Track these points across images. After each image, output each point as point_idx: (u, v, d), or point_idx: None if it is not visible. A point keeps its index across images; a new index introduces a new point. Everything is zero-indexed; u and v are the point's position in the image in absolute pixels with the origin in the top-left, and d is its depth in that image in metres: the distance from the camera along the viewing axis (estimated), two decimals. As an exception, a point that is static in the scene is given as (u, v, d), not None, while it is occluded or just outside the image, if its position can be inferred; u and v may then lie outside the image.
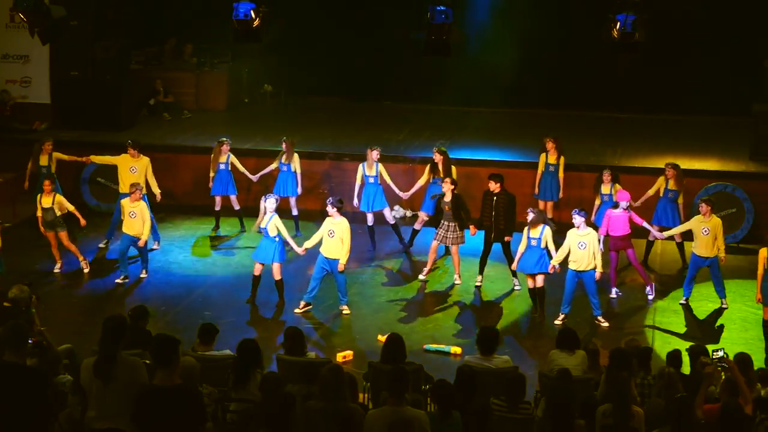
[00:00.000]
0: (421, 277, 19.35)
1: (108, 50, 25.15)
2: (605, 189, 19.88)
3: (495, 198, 18.49)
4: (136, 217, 18.86)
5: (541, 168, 21.13)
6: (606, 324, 17.29)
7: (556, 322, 17.26)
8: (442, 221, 18.89)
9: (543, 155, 21.13)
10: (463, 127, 26.13)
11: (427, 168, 20.51)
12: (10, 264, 18.24)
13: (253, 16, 18.30)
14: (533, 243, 17.29)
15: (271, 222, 17.55)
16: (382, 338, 14.47)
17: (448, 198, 18.76)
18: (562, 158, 21.02)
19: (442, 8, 17.78)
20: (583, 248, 17.04)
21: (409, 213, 22.66)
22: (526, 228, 17.39)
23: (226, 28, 18.99)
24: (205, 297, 18.41)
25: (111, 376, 9.11)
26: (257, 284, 17.97)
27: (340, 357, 15.59)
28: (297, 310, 17.63)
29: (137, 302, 16.31)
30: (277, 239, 17.59)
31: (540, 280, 17.43)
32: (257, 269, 17.91)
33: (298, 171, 21.16)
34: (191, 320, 16.78)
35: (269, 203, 17.56)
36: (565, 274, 17.34)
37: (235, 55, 28.38)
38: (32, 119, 25.04)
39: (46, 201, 18.99)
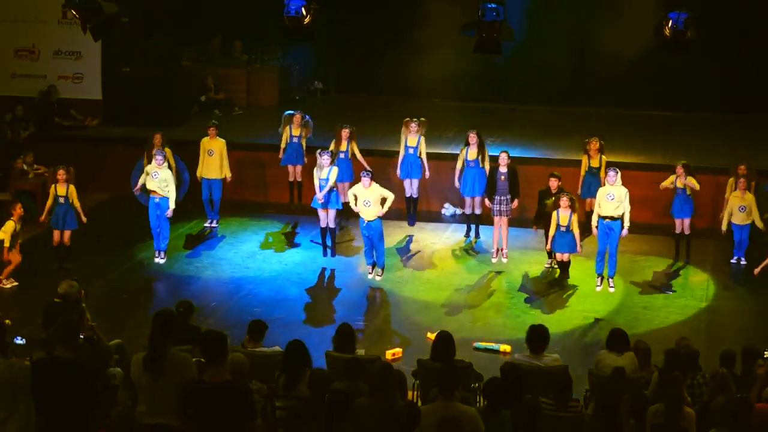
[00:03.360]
0: (495, 260, 19.85)
1: (159, 47, 25.28)
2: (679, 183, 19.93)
3: (552, 196, 19.07)
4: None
5: (583, 170, 20.99)
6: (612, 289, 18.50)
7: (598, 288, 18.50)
8: (496, 196, 19.48)
9: (585, 157, 20.94)
10: (510, 124, 25.98)
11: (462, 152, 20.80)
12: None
13: (304, 13, 18.29)
14: (562, 229, 18.44)
15: (332, 172, 19.20)
16: (431, 336, 14.46)
17: (504, 170, 19.38)
18: (603, 158, 20.85)
19: (493, 5, 17.71)
20: (610, 200, 18.37)
21: (459, 210, 22.61)
22: (555, 213, 18.48)
23: (277, 24, 19.01)
24: (254, 294, 18.47)
25: (160, 371, 9.13)
26: (325, 234, 19.86)
27: (389, 354, 15.59)
28: (376, 277, 18.90)
29: (185, 298, 16.34)
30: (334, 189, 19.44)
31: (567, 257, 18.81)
32: (323, 220, 19.69)
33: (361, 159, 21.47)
34: (241, 317, 16.88)
35: (324, 157, 19.27)
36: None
37: (285, 52, 28.41)
38: (84, 115, 25.20)
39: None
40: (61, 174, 19.21)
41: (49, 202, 19.24)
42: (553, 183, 19.21)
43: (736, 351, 12.93)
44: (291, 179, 22.32)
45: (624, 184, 18.62)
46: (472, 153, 20.52)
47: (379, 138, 23.77)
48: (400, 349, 15.94)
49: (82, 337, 11.86)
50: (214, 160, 21.37)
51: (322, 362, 12.67)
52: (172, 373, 9.16)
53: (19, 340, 14.61)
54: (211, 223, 21.69)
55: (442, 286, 18.97)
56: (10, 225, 18.35)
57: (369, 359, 12.47)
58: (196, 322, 13.92)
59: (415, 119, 21.22)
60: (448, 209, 22.62)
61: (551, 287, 18.81)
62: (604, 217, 18.46)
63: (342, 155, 21.15)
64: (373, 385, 9.95)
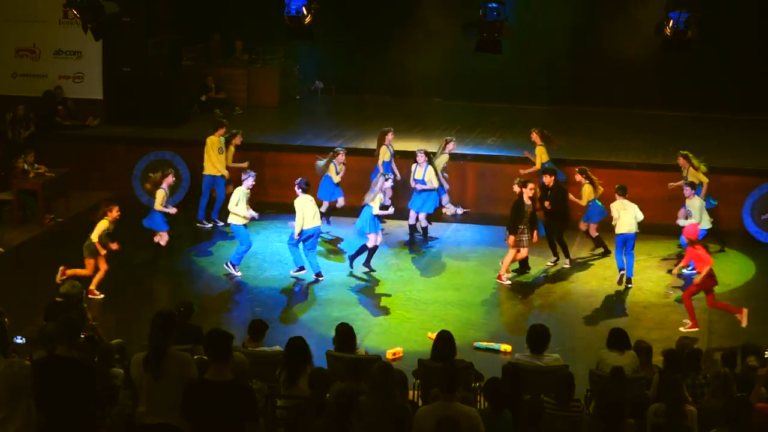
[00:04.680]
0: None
1: (160, 46, 25.29)
2: None
3: (548, 191, 19.43)
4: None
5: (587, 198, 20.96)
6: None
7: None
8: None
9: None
10: (514, 124, 25.98)
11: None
12: (58, 261, 18.33)
13: (305, 12, 18.29)
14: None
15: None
16: (432, 335, 14.46)
17: (528, 202, 19.13)
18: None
19: (495, 5, 17.70)
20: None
21: (460, 210, 22.62)
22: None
23: (278, 24, 19.01)
24: (255, 293, 18.47)
25: (161, 370, 9.14)
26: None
27: (389, 354, 15.59)
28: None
29: (186, 297, 16.32)
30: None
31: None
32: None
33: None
34: (242, 316, 16.92)
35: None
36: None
37: (286, 52, 28.41)
38: (85, 115, 25.20)
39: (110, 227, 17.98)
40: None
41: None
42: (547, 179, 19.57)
43: (737, 351, 12.96)
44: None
45: (627, 183, 18.83)
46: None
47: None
48: (401, 349, 15.93)
49: (83, 336, 11.87)
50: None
51: (323, 362, 12.67)
52: (172, 372, 9.16)
53: (19, 340, 14.60)
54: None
55: (442, 286, 18.98)
56: (103, 224, 17.77)
57: (370, 359, 12.46)
58: (196, 322, 13.91)
59: (421, 150, 21.18)
60: (449, 209, 22.60)
61: (552, 286, 18.87)
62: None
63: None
64: (373, 385, 9.95)
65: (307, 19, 18.36)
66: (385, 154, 21.50)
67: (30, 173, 21.91)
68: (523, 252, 19.05)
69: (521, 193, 18.83)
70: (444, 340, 12.65)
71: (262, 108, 27.60)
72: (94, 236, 17.60)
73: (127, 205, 21.64)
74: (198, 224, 21.78)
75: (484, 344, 16.26)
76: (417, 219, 20.97)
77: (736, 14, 26.37)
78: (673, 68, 25.82)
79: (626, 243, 18.69)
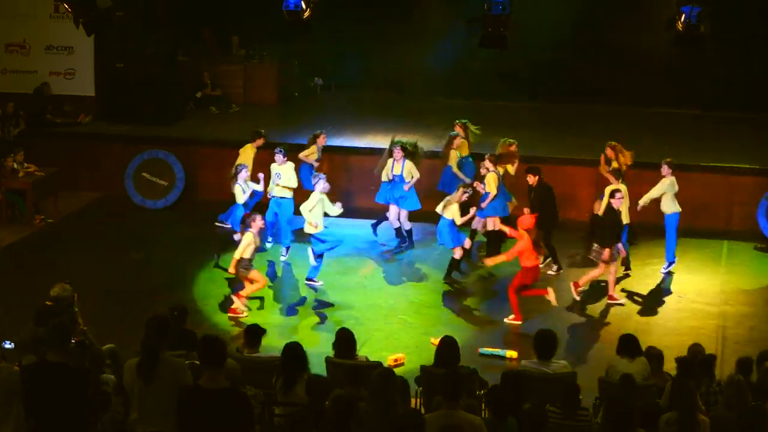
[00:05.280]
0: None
1: (154, 42, 25.25)
2: None
3: (532, 192, 19.27)
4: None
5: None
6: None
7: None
8: None
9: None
10: (520, 122, 25.92)
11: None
12: (48, 262, 18.29)
13: (304, 6, 18.29)
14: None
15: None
16: (435, 341, 14.42)
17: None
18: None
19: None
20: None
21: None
22: None
23: (276, 19, 18.99)
24: (251, 297, 18.41)
25: (154, 376, 9.12)
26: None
27: (390, 360, 15.55)
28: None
29: (180, 302, 16.25)
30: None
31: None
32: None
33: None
34: (237, 321, 16.90)
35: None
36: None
37: (284, 47, 28.34)
38: (76, 112, 25.17)
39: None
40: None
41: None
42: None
43: (752, 358, 12.92)
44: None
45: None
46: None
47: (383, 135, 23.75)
48: (403, 355, 15.88)
49: (73, 341, 11.84)
50: None
51: (322, 369, 12.64)
52: (165, 379, 9.15)
53: (8, 345, 14.56)
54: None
55: (445, 289, 18.91)
56: (248, 237, 17.58)
57: (370, 365, 12.43)
58: (191, 326, 13.87)
59: (397, 144, 20.70)
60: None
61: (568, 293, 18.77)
62: None
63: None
64: (373, 393, 9.91)
65: (306, 14, 18.37)
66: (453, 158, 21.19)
67: (19, 172, 21.88)
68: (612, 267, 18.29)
69: (610, 202, 18.21)
70: (447, 345, 12.61)
71: (260, 105, 27.56)
72: (245, 253, 17.42)
73: (119, 205, 21.72)
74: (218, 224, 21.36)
75: (489, 350, 16.23)
76: (399, 218, 20.72)
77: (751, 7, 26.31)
78: (686, 64, 25.76)
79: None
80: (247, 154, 20.87)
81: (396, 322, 17.56)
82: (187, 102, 26.70)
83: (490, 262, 18.29)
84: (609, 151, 20.00)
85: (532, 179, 19.32)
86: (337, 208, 18.70)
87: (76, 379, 9.24)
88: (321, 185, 18.66)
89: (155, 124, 24.45)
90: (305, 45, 27.55)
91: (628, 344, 13.08)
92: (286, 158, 19.84)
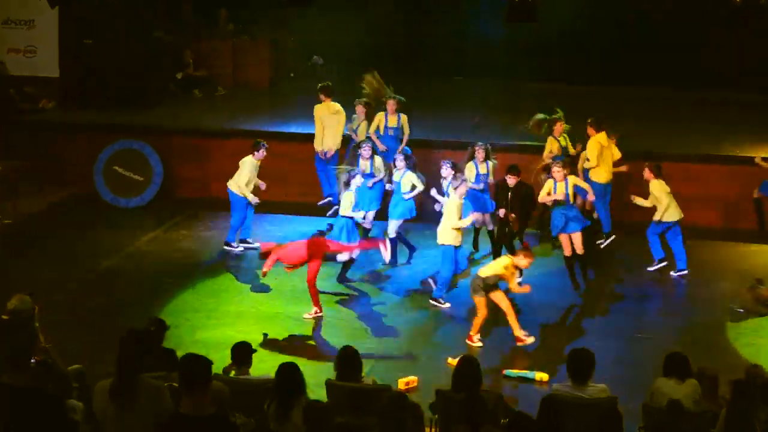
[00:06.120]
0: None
1: (127, 15, 25.24)
2: None
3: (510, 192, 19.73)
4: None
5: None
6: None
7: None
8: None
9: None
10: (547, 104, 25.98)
11: None
12: (3, 270, 18.33)
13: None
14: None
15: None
16: (453, 361, 14.43)
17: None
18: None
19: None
20: None
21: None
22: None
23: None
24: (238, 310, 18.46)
25: (130, 401, 9.13)
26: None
27: (402, 383, 15.57)
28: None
29: (157, 315, 16.26)
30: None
31: None
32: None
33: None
34: (223, 338, 16.92)
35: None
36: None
37: (279, 21, 28.37)
38: (38, 96, 25.19)
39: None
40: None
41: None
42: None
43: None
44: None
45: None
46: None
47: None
48: (416, 377, 15.90)
49: (33, 361, 11.84)
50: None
51: (322, 393, 12.66)
52: (143, 404, 9.16)
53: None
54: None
55: (463, 301, 18.86)
56: (506, 263, 17.25)
57: (378, 389, 12.44)
58: (168, 344, 13.88)
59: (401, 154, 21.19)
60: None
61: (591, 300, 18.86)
62: None
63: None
64: (383, 420, 9.92)
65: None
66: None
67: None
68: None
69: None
70: (467, 365, 12.60)
71: (250, 88, 27.60)
72: (499, 271, 17.19)
73: (88, 204, 21.73)
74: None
75: (516, 372, 16.25)
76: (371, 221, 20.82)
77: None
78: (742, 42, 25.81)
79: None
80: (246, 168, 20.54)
81: (408, 339, 17.56)
82: (165, 84, 26.75)
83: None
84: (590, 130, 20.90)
85: (512, 180, 19.61)
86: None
87: (38, 406, 9.25)
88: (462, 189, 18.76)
89: (129, 111, 24.47)
90: (303, 19, 27.61)
91: (677, 364, 13.07)
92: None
